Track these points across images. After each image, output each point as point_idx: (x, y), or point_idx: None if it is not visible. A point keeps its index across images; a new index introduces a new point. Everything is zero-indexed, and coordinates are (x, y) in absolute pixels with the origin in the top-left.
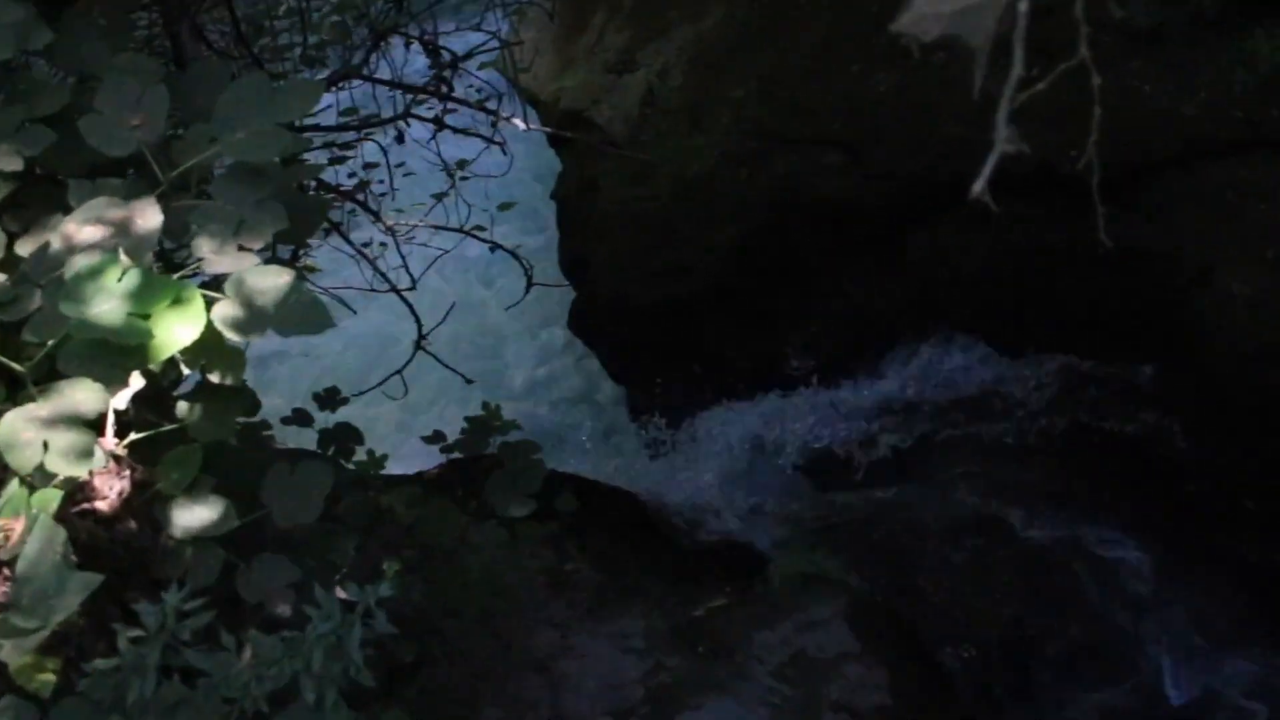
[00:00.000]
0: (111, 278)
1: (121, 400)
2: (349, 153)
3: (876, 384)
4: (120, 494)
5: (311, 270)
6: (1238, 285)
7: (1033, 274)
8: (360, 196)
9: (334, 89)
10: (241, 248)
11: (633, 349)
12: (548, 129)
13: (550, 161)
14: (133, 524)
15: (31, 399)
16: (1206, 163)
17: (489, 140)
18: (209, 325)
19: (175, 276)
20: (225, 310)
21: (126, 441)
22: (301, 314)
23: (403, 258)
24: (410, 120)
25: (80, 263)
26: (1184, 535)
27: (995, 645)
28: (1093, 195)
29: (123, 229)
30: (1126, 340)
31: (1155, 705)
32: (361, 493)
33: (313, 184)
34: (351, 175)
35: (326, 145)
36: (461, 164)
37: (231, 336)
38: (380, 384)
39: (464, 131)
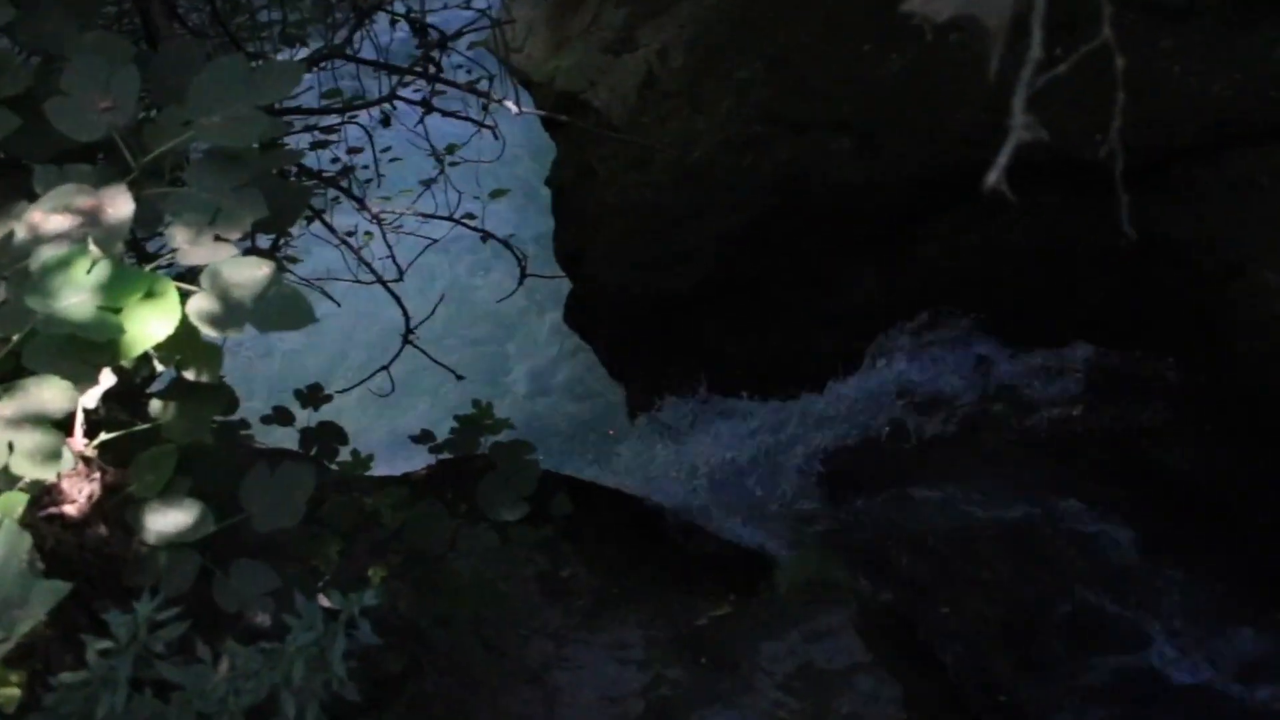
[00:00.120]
0: (80, 269)
1: (91, 399)
2: (332, 137)
3: (884, 380)
4: (90, 497)
5: (293, 261)
6: (1272, 275)
7: (1050, 267)
8: (344, 183)
9: (315, 69)
10: (218, 238)
11: (631, 344)
12: (542, 112)
13: (549, 140)
14: (103, 529)
15: None
16: (1240, 148)
17: (479, 124)
18: (184, 320)
19: (148, 268)
20: (201, 304)
21: (97, 442)
22: (282, 308)
23: (389, 247)
24: (396, 103)
25: (47, 254)
26: (1210, 541)
27: (1005, 652)
28: (1116, 184)
29: (92, 218)
30: (1149, 334)
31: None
32: (346, 495)
33: (293, 170)
34: (335, 161)
35: (308, 129)
36: (451, 148)
37: (208, 332)
38: (365, 380)
39: (453, 115)
